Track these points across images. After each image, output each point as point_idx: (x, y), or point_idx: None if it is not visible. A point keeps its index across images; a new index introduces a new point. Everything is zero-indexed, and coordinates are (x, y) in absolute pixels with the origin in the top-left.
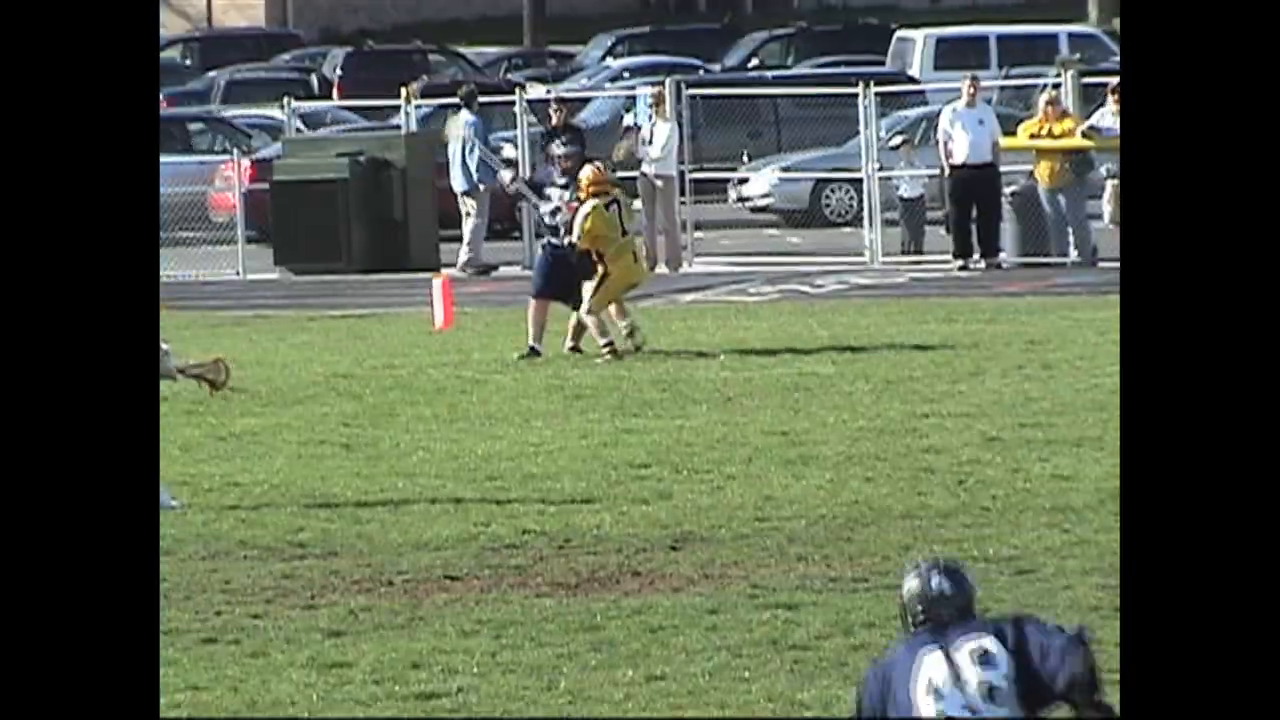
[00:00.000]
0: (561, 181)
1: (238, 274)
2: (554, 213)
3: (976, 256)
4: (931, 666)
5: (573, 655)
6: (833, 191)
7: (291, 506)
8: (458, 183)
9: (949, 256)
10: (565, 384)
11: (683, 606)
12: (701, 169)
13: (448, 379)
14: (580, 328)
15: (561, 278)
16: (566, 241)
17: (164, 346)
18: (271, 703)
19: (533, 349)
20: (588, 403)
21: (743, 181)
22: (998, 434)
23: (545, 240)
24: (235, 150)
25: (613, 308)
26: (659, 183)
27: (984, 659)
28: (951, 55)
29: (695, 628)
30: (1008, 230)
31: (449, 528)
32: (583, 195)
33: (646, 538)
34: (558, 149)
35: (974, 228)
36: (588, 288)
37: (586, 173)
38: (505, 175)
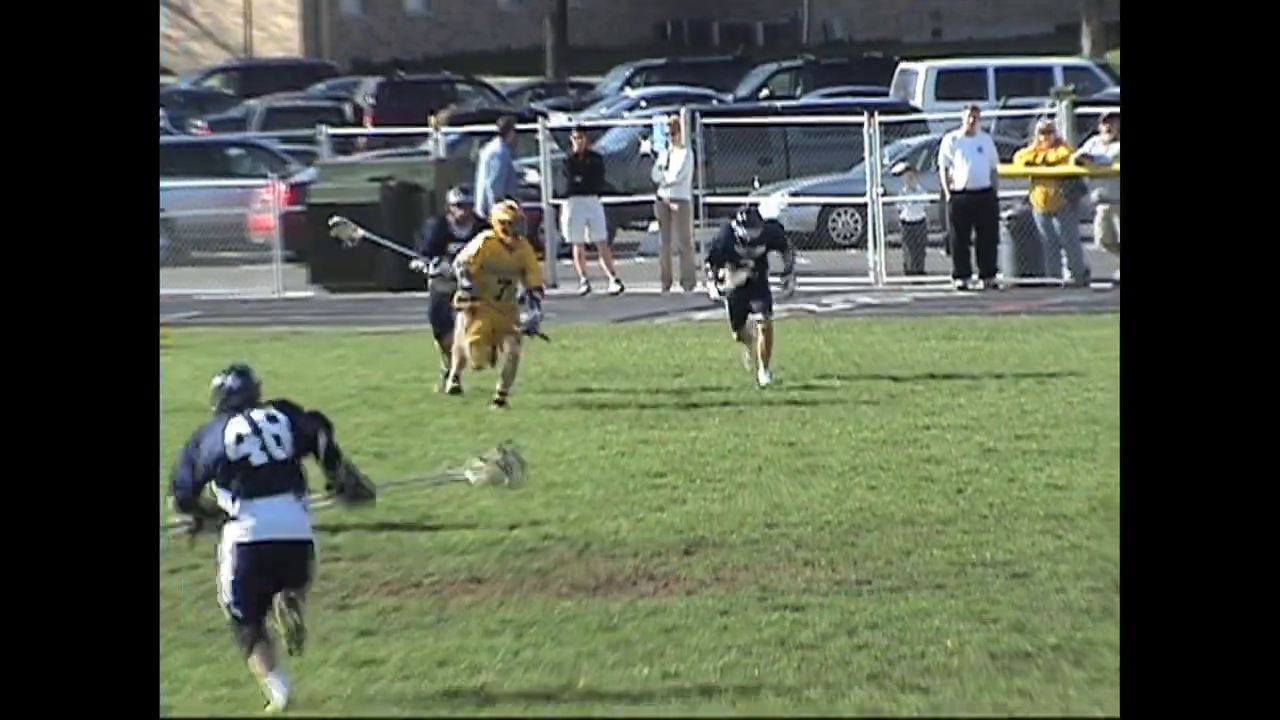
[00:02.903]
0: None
1: (275, 292)
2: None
3: (975, 277)
4: (237, 424)
5: (591, 654)
6: (839, 215)
7: (327, 512)
8: (480, 207)
9: (949, 277)
10: (585, 398)
11: (695, 608)
12: (714, 193)
13: (473, 392)
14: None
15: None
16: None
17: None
18: (306, 698)
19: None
20: (606, 415)
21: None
22: (995, 445)
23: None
24: (273, 174)
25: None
26: (674, 206)
27: (271, 418)
28: (952, 86)
29: (707, 628)
30: (1005, 252)
31: (474, 533)
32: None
33: (661, 543)
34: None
35: (973, 250)
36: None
37: (498, 209)
38: (418, 264)
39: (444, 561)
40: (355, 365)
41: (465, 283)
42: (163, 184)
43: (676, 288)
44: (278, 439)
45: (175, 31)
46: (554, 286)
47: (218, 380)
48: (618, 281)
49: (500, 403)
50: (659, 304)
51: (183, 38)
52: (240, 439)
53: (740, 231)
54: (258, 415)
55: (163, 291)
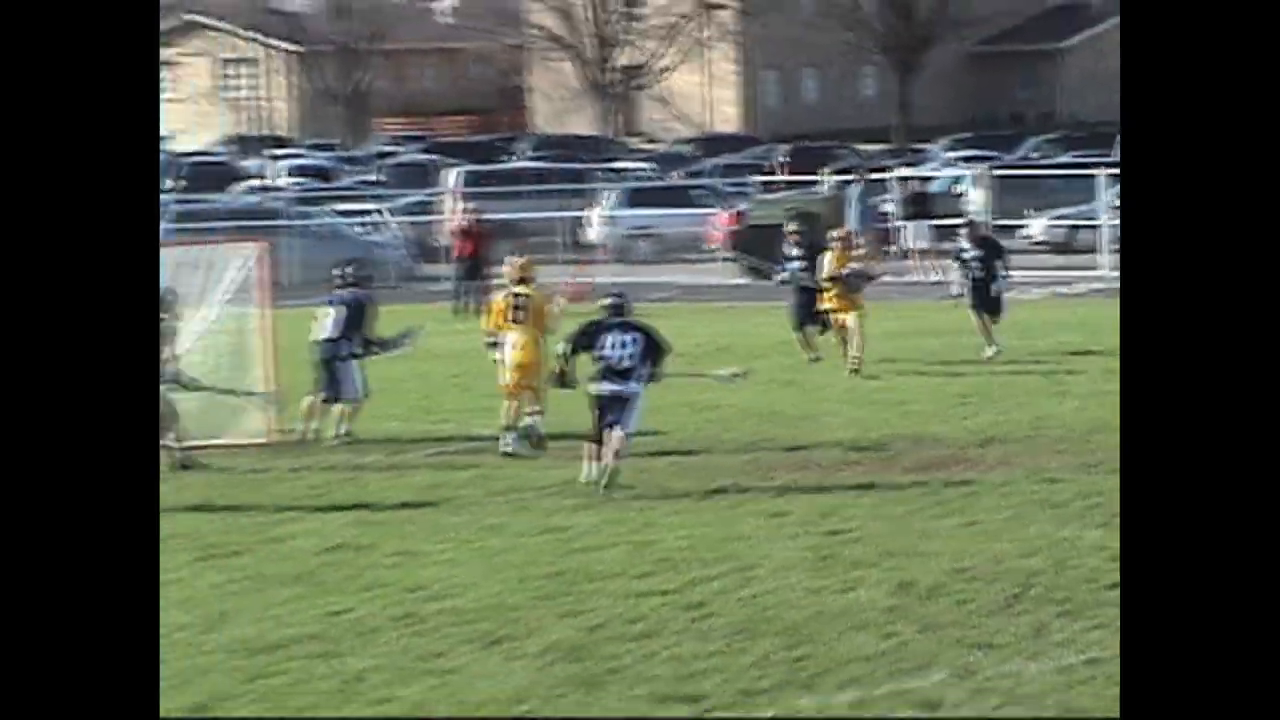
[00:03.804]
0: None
1: (721, 280)
2: None
3: None
4: (611, 333)
5: (921, 511)
6: (1081, 232)
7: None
8: (853, 224)
9: None
10: (903, 360)
11: (987, 480)
12: (1001, 218)
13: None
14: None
15: None
16: None
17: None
18: (726, 535)
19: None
20: (925, 365)
21: (1026, 226)
22: None
23: None
24: (721, 205)
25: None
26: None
27: (630, 335)
28: None
29: (995, 493)
30: None
31: (848, 432)
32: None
33: (966, 440)
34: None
35: None
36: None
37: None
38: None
39: (829, 451)
40: (771, 328)
41: (825, 282)
42: (651, 212)
43: None
44: (624, 345)
45: (659, 114)
46: (898, 275)
47: (605, 301)
48: (938, 272)
49: (856, 371)
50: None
51: (666, 119)
52: (613, 345)
53: (962, 244)
54: (630, 335)
55: (652, 279)
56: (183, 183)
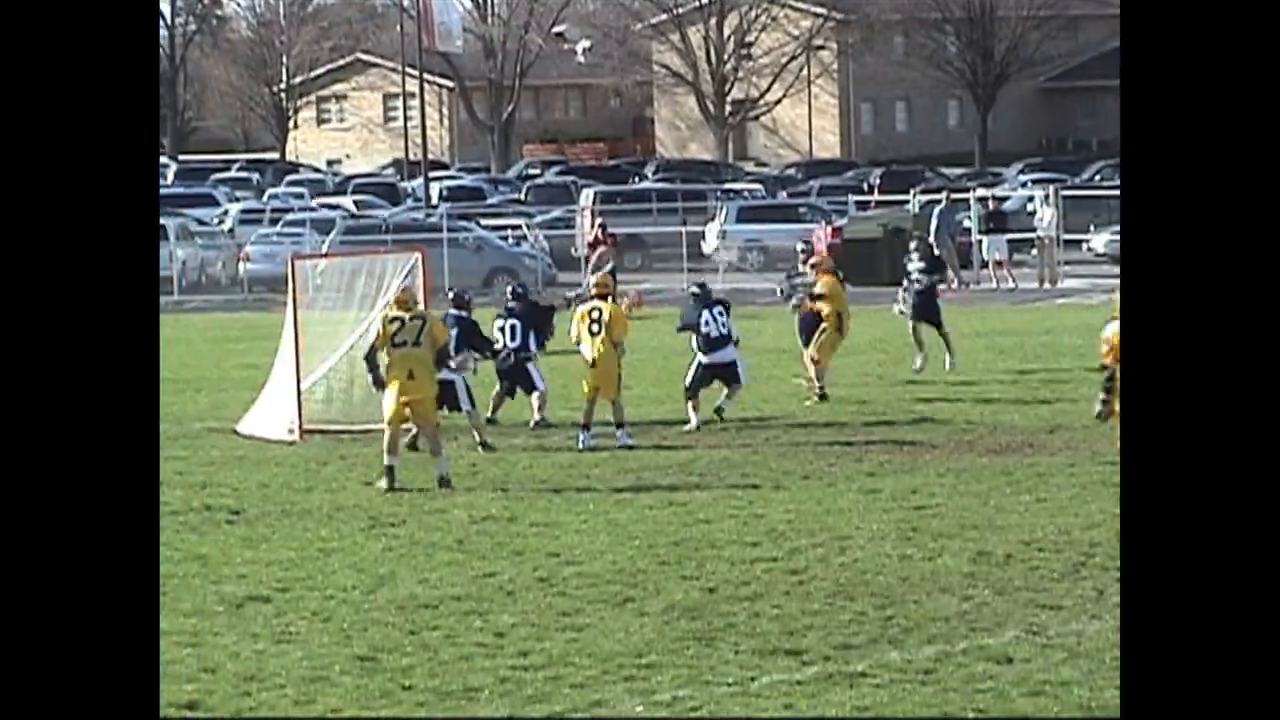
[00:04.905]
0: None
1: None
2: None
3: None
4: (711, 312)
5: (996, 489)
6: None
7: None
8: (932, 238)
9: None
10: (994, 346)
11: (1054, 462)
12: (1068, 233)
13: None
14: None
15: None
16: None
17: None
18: (821, 506)
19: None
20: (1010, 358)
21: (1090, 240)
22: None
23: None
24: (822, 220)
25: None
26: (1046, 240)
27: (719, 313)
28: None
29: (1062, 474)
30: None
31: (936, 419)
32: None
33: (1037, 427)
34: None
35: None
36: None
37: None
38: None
39: (917, 435)
40: (864, 328)
41: None
42: (761, 227)
43: (1047, 285)
44: (715, 319)
45: (768, 141)
46: (977, 283)
47: (693, 289)
48: (1013, 280)
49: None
50: (1040, 295)
51: (776, 144)
52: (709, 320)
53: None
54: (715, 310)
55: (760, 285)
56: (356, 199)
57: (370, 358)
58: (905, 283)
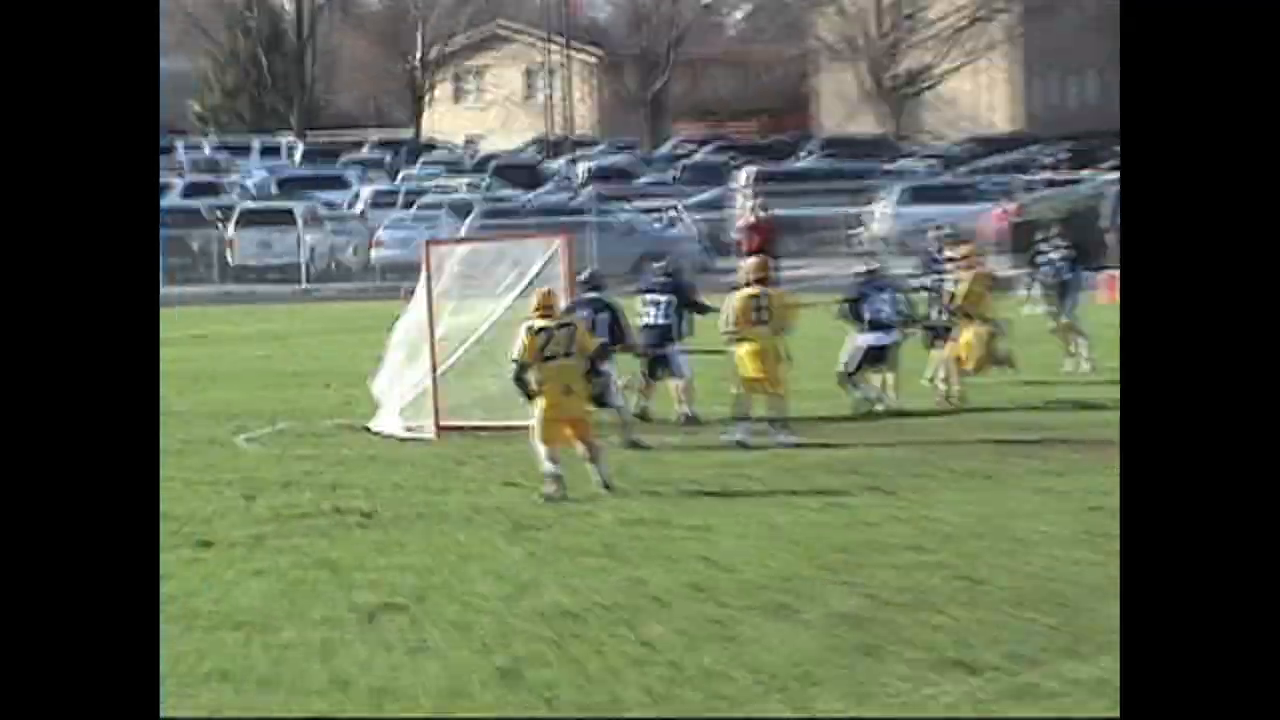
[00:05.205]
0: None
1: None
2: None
3: None
4: (878, 295)
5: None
6: None
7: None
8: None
9: None
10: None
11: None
12: None
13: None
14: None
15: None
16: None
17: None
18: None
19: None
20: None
21: None
22: None
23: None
24: (999, 200)
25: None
26: None
27: (890, 295)
28: None
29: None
30: None
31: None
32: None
33: (1087, 434)
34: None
35: None
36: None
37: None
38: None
39: (1095, 434)
40: (1037, 318)
41: None
42: (931, 208)
43: None
44: (886, 303)
45: (938, 116)
46: None
47: (861, 269)
48: None
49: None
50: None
51: (944, 120)
52: (882, 303)
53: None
54: (889, 293)
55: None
56: (493, 180)
57: (519, 377)
58: (1038, 273)
